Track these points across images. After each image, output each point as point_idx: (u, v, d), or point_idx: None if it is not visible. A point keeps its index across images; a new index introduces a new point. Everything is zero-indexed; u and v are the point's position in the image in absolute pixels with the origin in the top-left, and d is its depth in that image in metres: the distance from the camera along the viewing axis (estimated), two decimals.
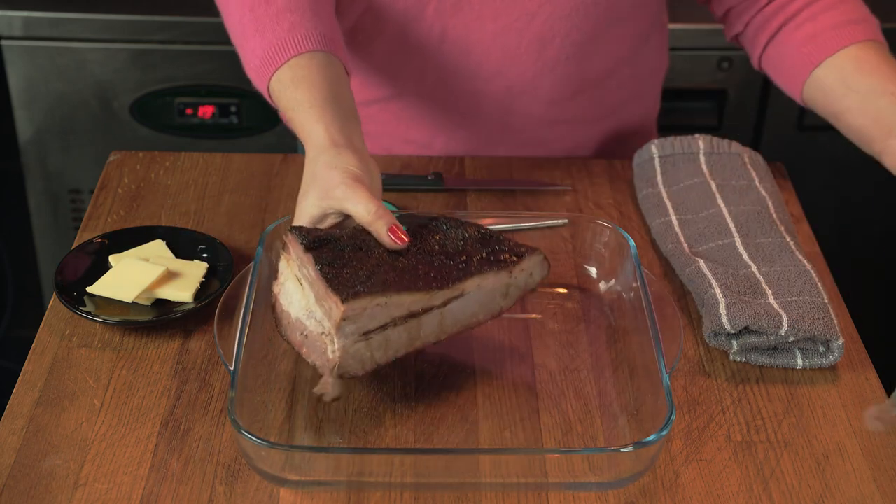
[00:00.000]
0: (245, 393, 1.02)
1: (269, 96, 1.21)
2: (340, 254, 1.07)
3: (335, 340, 1.02)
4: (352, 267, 1.05)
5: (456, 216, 1.13)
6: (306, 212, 1.10)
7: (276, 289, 1.10)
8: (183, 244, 1.25)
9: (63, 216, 2.10)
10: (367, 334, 1.03)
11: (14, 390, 1.09)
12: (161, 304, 1.18)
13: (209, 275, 1.21)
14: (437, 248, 1.09)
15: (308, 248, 1.08)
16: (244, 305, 1.07)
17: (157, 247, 1.25)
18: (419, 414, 1.08)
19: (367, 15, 1.38)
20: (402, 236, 1.06)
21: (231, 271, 1.21)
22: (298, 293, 1.07)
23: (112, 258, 1.23)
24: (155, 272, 1.19)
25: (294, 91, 1.17)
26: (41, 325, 1.17)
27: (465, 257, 1.08)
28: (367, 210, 1.06)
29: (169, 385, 1.11)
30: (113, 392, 1.10)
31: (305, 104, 1.15)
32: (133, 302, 1.17)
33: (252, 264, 1.12)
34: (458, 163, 1.44)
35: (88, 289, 1.18)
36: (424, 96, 1.43)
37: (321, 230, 1.11)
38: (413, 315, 1.05)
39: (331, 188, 1.08)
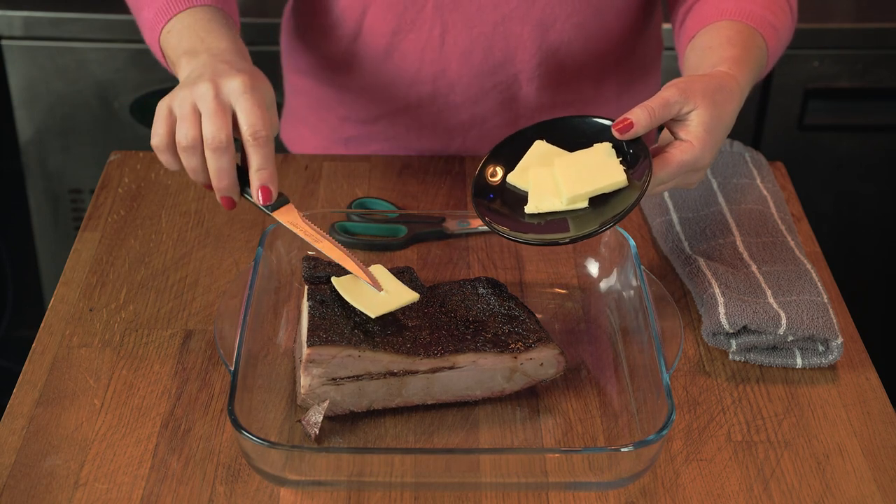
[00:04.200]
0: (245, 393, 1.02)
1: (161, 52, 1.20)
2: (338, 294, 1.07)
3: (302, 377, 1.03)
4: (345, 311, 1.06)
5: (490, 282, 1.13)
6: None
7: (303, 302, 1.10)
8: None
9: (63, 216, 2.10)
10: (336, 380, 1.03)
11: (14, 390, 1.09)
12: None
13: None
14: (451, 314, 1.09)
15: (309, 280, 1.09)
16: (244, 305, 1.07)
17: None
18: (419, 414, 1.08)
19: (365, 27, 1.38)
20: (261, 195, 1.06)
21: None
22: (305, 317, 1.07)
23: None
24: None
25: (186, 32, 1.15)
26: (41, 325, 1.17)
27: (472, 331, 1.07)
28: (250, 123, 1.05)
29: (169, 385, 1.11)
30: (113, 392, 1.10)
31: (196, 36, 1.14)
32: None
33: (252, 264, 1.12)
34: (458, 163, 1.44)
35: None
36: (432, 103, 1.43)
37: (336, 265, 1.11)
38: (393, 374, 1.04)
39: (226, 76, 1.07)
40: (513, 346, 1.06)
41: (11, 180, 2.15)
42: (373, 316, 1.04)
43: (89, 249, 1.28)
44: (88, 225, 1.32)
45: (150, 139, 1.09)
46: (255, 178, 1.06)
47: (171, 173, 1.40)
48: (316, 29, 1.44)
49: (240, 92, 1.05)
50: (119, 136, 2.02)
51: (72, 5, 1.96)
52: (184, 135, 1.05)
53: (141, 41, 1.95)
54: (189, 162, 1.06)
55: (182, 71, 1.12)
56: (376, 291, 1.07)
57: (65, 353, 1.14)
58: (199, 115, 1.05)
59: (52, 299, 1.21)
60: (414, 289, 1.11)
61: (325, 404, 1.03)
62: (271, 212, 1.07)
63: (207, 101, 1.05)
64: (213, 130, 1.04)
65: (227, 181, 1.06)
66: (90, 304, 1.20)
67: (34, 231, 2.12)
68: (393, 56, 1.39)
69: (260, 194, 1.06)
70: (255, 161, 1.06)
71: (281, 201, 1.08)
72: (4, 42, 1.95)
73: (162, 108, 1.07)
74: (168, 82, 1.99)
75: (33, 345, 1.15)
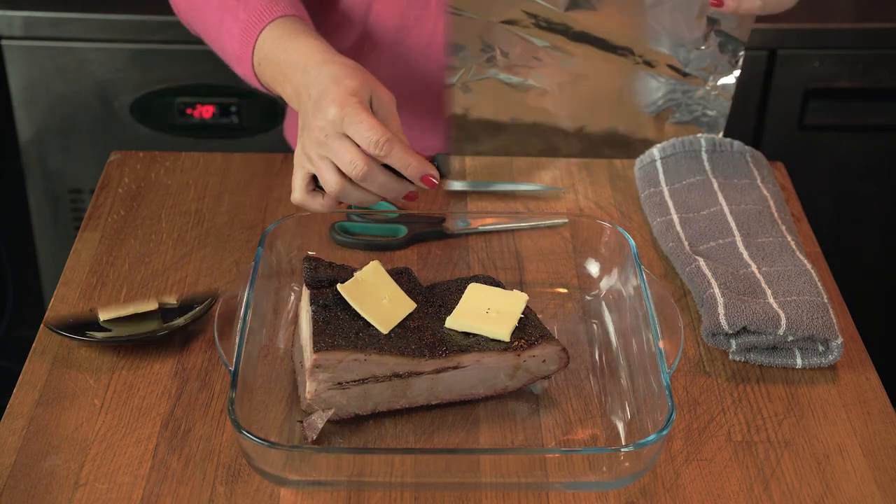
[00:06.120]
0: (245, 393, 1.02)
1: (254, 71, 1.21)
2: (340, 297, 1.07)
3: (308, 382, 1.03)
4: (348, 315, 1.06)
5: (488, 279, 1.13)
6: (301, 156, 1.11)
7: (301, 304, 1.09)
8: None
9: (63, 216, 2.10)
10: (342, 384, 1.03)
11: (14, 390, 1.09)
12: None
13: None
14: (451, 313, 1.08)
15: (311, 284, 1.08)
16: (244, 305, 1.07)
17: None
18: (419, 414, 1.08)
19: (369, 24, 1.38)
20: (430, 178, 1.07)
21: None
22: (306, 322, 1.07)
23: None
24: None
25: (287, 40, 1.16)
26: (41, 325, 1.17)
27: None
28: (369, 138, 1.05)
29: (169, 385, 1.11)
30: (113, 392, 1.10)
31: (301, 46, 1.14)
32: None
33: (252, 264, 1.12)
34: (459, 162, 1.44)
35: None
36: (436, 99, 1.43)
37: (336, 266, 1.11)
38: (398, 376, 1.04)
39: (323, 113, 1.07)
40: (516, 343, 1.06)
41: (11, 180, 2.15)
42: (384, 331, 1.05)
43: (89, 249, 1.28)
44: (88, 225, 1.32)
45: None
46: (414, 178, 1.08)
47: (172, 173, 1.40)
48: (320, 27, 1.44)
49: (340, 122, 1.06)
50: (119, 136, 2.02)
51: (72, 5, 1.96)
52: (333, 182, 1.08)
53: (141, 41, 1.97)
54: (362, 196, 1.09)
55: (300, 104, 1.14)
56: (381, 298, 1.07)
57: (65, 353, 1.14)
58: (331, 162, 1.08)
59: (52, 299, 1.21)
60: (412, 290, 1.11)
61: (331, 412, 1.03)
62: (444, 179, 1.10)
63: (332, 150, 1.07)
64: (348, 167, 1.06)
65: (398, 185, 1.08)
66: (90, 304, 1.20)
67: (34, 231, 2.12)
68: (397, 52, 1.39)
69: (425, 185, 1.08)
70: (397, 165, 1.07)
71: (444, 170, 1.10)
72: (4, 42, 1.95)
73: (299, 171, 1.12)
74: (167, 82, 1.99)
75: (33, 345, 1.15)
